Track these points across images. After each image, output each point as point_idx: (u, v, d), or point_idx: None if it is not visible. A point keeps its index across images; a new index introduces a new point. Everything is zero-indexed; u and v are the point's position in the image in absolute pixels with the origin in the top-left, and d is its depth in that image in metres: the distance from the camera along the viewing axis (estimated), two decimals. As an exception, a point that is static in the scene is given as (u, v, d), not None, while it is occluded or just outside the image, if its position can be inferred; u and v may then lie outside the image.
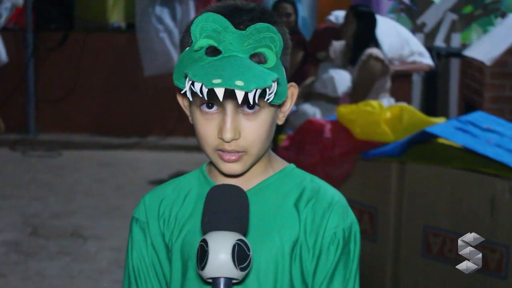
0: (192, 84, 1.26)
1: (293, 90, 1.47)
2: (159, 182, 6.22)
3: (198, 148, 1.45)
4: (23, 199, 5.88)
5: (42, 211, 5.60)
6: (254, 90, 1.24)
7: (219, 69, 1.28)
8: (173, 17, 7.66)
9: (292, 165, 1.52)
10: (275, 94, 1.31)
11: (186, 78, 1.29)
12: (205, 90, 1.24)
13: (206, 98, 1.27)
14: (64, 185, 6.35)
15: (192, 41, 1.35)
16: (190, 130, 1.50)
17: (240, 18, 1.38)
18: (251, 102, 1.26)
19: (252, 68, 1.30)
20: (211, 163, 1.46)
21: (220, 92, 1.23)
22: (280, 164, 1.51)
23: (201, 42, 1.33)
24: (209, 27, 1.34)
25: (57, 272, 4.48)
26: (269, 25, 1.35)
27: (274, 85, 1.29)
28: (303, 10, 8.04)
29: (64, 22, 8.02)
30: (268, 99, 1.31)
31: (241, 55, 1.33)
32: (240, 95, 1.24)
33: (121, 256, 4.61)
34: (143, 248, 1.50)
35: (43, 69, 7.93)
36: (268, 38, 1.34)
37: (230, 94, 1.30)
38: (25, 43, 7.80)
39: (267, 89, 1.28)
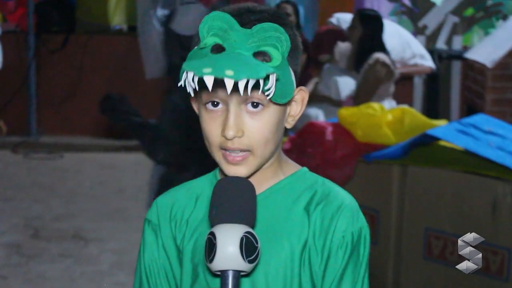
0: (187, 75, 1.26)
1: (303, 94, 1.46)
2: (161, 184, 6.22)
3: (199, 150, 1.44)
4: (25, 202, 5.89)
5: (43, 213, 5.61)
6: (245, 81, 1.22)
7: (213, 61, 1.27)
8: (175, 19, 7.65)
9: (305, 169, 1.51)
10: (276, 92, 1.30)
11: None
12: (196, 79, 1.24)
13: (196, 88, 1.26)
14: (65, 188, 6.35)
15: (200, 40, 1.36)
16: (192, 132, 1.49)
17: (248, 18, 1.38)
18: (241, 92, 1.24)
19: (249, 62, 1.29)
20: None
21: (209, 81, 1.22)
22: (292, 167, 1.50)
23: (207, 40, 1.34)
24: (216, 26, 1.34)
25: (58, 275, 4.48)
26: (277, 25, 1.34)
27: (272, 80, 1.28)
28: (305, 13, 8.03)
29: (66, 25, 8.03)
30: (268, 95, 1.30)
31: (245, 53, 1.33)
32: (229, 84, 1.22)
33: (123, 258, 4.61)
34: (154, 250, 1.50)
35: (44, 71, 7.94)
36: (274, 38, 1.33)
37: (233, 90, 1.30)
38: (27, 46, 7.81)
39: (261, 82, 1.26)
